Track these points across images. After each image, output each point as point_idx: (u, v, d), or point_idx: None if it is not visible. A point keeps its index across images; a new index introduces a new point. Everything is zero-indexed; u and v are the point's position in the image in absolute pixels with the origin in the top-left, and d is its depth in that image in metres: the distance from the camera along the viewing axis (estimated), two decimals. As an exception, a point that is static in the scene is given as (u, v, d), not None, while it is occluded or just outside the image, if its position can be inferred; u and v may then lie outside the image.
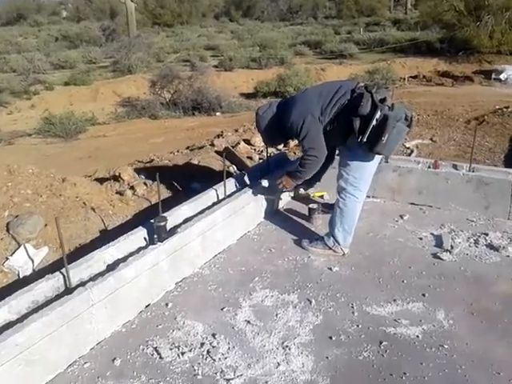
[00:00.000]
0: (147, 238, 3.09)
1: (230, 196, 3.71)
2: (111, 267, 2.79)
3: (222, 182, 3.78)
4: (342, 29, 32.77)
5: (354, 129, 3.01)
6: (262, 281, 3.11)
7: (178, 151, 6.99)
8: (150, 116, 14.48)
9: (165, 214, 3.33)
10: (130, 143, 10.47)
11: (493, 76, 16.62)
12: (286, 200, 4.29)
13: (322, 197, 4.41)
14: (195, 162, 5.68)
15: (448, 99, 12.01)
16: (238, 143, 6.42)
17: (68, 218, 3.77)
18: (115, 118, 14.97)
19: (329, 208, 3.99)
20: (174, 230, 3.15)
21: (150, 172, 5.33)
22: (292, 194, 4.36)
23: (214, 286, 3.05)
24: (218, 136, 7.38)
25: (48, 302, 2.39)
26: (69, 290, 2.49)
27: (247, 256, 3.43)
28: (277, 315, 2.76)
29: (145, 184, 4.96)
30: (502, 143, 6.63)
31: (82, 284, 2.55)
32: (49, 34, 35.41)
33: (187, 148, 7.48)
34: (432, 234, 3.69)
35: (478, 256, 3.35)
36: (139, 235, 3.06)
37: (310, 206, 3.92)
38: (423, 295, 2.92)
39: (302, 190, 4.51)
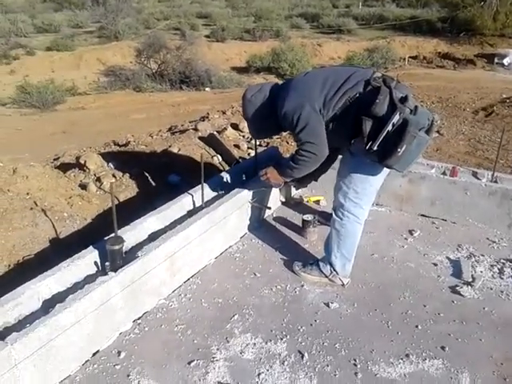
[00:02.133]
0: (98, 263, 2.45)
1: (208, 203, 3.06)
2: (48, 305, 2.16)
3: (199, 186, 3.12)
4: (340, 2, 31.55)
5: (363, 132, 2.33)
6: (242, 320, 2.49)
7: (158, 133, 6.27)
8: (134, 88, 13.62)
9: (126, 227, 2.69)
10: (109, 118, 9.69)
11: (495, 60, 15.91)
12: (275, 206, 3.65)
13: (318, 202, 3.78)
14: (175, 149, 4.98)
15: (451, 84, 11.35)
16: (225, 128, 5.72)
17: (11, 222, 3.10)
18: (97, 88, 14.11)
19: (327, 219, 3.36)
20: (134, 251, 2.51)
21: (121, 160, 4.65)
22: (283, 198, 3.72)
23: (181, 327, 2.43)
24: (203, 118, 6.66)
25: None
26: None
27: (226, 282, 2.80)
28: (259, 375, 2.15)
29: (113, 176, 4.28)
30: (515, 139, 6.02)
31: (3, 334, 1.92)
32: (36, -6, 33.69)
33: (169, 130, 6.76)
34: (448, 258, 3.08)
35: (504, 292, 2.77)
36: (87, 261, 2.41)
37: (305, 217, 3.28)
38: (442, 349, 2.33)
39: (294, 193, 3.90)
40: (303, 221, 3.27)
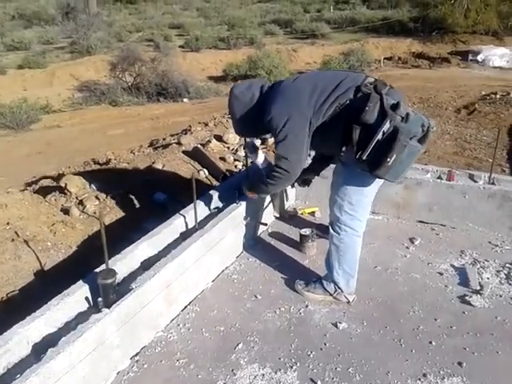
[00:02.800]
0: (90, 298, 2.27)
1: (201, 223, 2.91)
2: (39, 349, 1.98)
3: (191, 206, 2.97)
4: (311, 6, 31.71)
5: (353, 140, 2.23)
6: (247, 349, 2.34)
7: (139, 149, 6.08)
8: (110, 102, 13.33)
9: (117, 256, 2.51)
10: (86, 135, 9.44)
11: (470, 57, 16.12)
12: (269, 221, 3.51)
13: (313, 214, 3.65)
14: (159, 165, 4.81)
15: (429, 83, 11.42)
16: (209, 141, 5.55)
17: (-9, 257, 2.90)
18: (71, 104, 13.75)
19: (324, 232, 3.24)
20: (127, 283, 2.34)
21: (103, 180, 4.45)
22: (276, 213, 3.59)
23: (183, 361, 2.27)
24: (186, 131, 6.49)
25: None
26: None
27: (226, 307, 2.64)
28: (272, 410, 2.00)
29: (97, 198, 4.09)
30: (501, 136, 6.00)
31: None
32: (4, 12, 32.94)
33: (150, 145, 6.57)
34: (453, 266, 2.99)
35: (514, 297, 2.68)
36: (78, 297, 2.23)
37: (302, 231, 3.15)
38: (460, 365, 2.22)
39: (287, 205, 3.77)
40: (301, 235, 3.14)
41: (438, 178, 3.53)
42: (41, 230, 3.42)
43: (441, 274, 2.92)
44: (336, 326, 2.48)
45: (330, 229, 2.62)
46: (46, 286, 2.82)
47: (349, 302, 2.65)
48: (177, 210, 4.11)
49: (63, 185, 4.25)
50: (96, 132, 9.79)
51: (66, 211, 3.85)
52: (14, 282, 2.80)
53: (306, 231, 3.14)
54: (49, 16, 28.20)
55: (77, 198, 4.12)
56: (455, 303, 2.65)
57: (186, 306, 2.65)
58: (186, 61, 18.14)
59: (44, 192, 4.29)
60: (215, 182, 4.59)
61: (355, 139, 2.21)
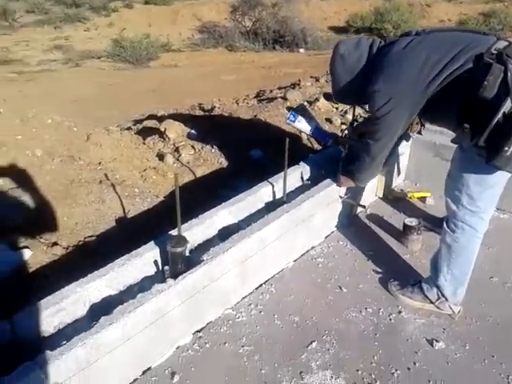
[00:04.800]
0: (159, 263, 2.10)
1: (290, 196, 2.59)
2: (95, 314, 1.85)
3: (281, 174, 2.66)
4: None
5: (469, 122, 1.81)
6: (322, 350, 2.03)
7: (244, 100, 5.84)
8: (226, 46, 13.21)
9: (194, 220, 2.30)
10: (199, 78, 9.42)
11: None
12: (370, 201, 3.09)
13: (423, 199, 3.15)
14: (261, 120, 4.52)
15: None
16: (317, 99, 5.12)
17: (76, 198, 2.85)
18: (190, 45, 13.88)
19: (435, 225, 2.77)
20: (200, 252, 2.13)
21: (203, 129, 4.30)
22: (380, 192, 3.15)
23: (248, 349, 2.03)
24: (294, 86, 6.09)
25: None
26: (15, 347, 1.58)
27: (305, 295, 2.34)
28: None
29: (192, 147, 3.94)
30: None
31: (37, 348, 1.64)
32: None
33: (256, 96, 6.30)
34: None
35: None
36: (145, 260, 2.06)
37: (407, 221, 2.69)
38: None
39: (394, 185, 3.30)
40: (405, 225, 2.69)
41: None
42: (131, 174, 3.35)
43: None
44: (431, 344, 2.07)
45: (444, 224, 2.16)
46: (125, 235, 2.73)
47: (453, 314, 2.21)
48: (272, 170, 3.86)
49: (163, 129, 4.17)
50: (209, 76, 9.74)
51: (161, 157, 3.76)
52: (94, 227, 2.75)
53: (412, 221, 2.68)
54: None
55: (174, 144, 4.02)
56: None
57: (261, 285, 2.40)
58: (309, 8, 17.30)
59: (145, 133, 4.25)
60: (316, 146, 4.21)
61: (471, 121, 1.81)
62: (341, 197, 2.72)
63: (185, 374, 1.91)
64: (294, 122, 2.70)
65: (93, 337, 1.63)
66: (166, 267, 1.97)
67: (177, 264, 1.98)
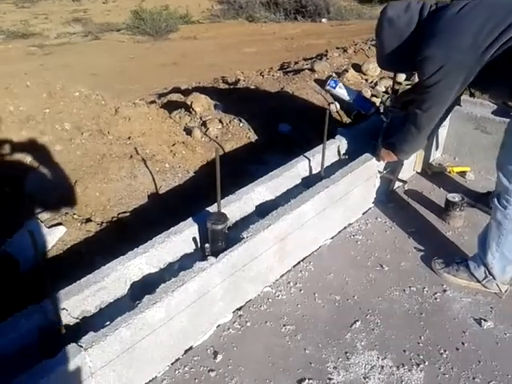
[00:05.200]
0: (197, 240, 2.05)
1: (327, 171, 2.51)
2: (136, 292, 1.83)
3: (317, 149, 2.57)
4: None
5: None
6: (366, 330, 1.98)
7: (269, 72, 5.68)
8: (246, 17, 12.90)
9: (231, 197, 2.24)
10: (220, 51, 9.25)
11: None
12: (408, 175, 2.98)
13: (463, 174, 3.03)
14: (288, 92, 4.39)
15: None
16: (346, 70, 4.94)
17: (108, 172, 2.81)
18: (209, 16, 13.60)
19: (476, 200, 2.67)
20: (239, 229, 2.07)
21: (229, 102, 4.20)
22: (418, 167, 3.04)
23: (290, 328, 1.99)
24: (321, 56, 5.89)
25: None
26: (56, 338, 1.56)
27: (345, 273, 2.28)
28: (387, 417, 1.66)
29: (220, 121, 3.85)
30: None
31: (80, 329, 1.62)
32: None
33: (280, 68, 6.13)
34: None
35: None
36: (184, 237, 2.01)
37: (450, 196, 2.59)
38: None
39: (432, 159, 3.18)
40: (448, 201, 2.58)
41: None
42: (161, 149, 3.29)
43: None
44: (479, 324, 2.00)
45: (495, 200, 2.06)
46: (158, 211, 2.69)
47: (500, 293, 2.13)
48: (301, 145, 3.76)
49: (189, 103, 4.07)
50: (230, 48, 9.55)
51: (188, 131, 3.68)
52: (126, 203, 2.70)
53: (455, 197, 2.57)
54: None
55: (201, 118, 3.93)
56: None
57: (298, 262, 2.34)
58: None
59: (171, 107, 4.16)
60: (346, 119, 4.09)
61: None
62: (379, 172, 2.62)
63: (227, 354, 1.88)
64: (334, 88, 2.59)
65: (137, 317, 1.59)
66: (207, 245, 1.92)
67: (217, 241, 1.93)
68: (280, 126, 3.87)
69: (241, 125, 3.83)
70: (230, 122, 3.85)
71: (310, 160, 2.55)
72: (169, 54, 9.60)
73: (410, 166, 2.96)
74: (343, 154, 2.78)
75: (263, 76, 5.38)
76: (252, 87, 4.81)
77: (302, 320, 2.03)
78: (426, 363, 1.83)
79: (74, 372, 1.46)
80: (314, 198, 2.23)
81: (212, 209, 2.11)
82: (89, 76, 7.80)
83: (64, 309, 1.65)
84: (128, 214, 2.62)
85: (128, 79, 7.85)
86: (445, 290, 2.17)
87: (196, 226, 2.04)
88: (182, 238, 2.00)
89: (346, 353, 1.87)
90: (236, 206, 2.20)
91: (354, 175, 2.44)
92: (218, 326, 2.00)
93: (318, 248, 2.43)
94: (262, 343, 1.92)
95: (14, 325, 1.58)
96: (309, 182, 2.45)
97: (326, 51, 5.89)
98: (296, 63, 6.20)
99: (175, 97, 4.92)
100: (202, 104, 4.08)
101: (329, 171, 2.49)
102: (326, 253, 2.41)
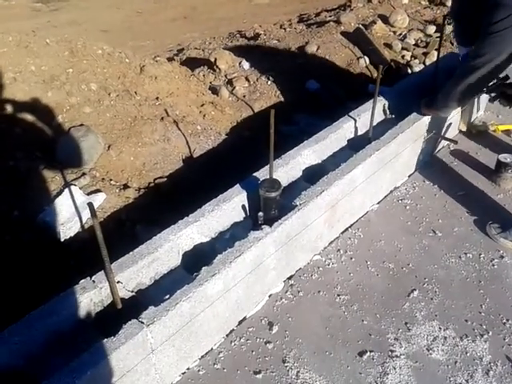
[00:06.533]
0: (247, 208, 1.96)
1: (374, 131, 2.37)
2: (189, 262, 1.75)
3: (364, 108, 2.43)
4: None
5: None
6: (424, 299, 1.91)
7: (290, 25, 5.42)
8: (256, -33, 12.28)
9: (277, 161, 2.12)
10: (230, 3, 8.82)
11: None
12: (451, 135, 2.84)
13: (508, 132, 2.89)
14: (313, 47, 4.19)
15: None
16: (374, 22, 4.70)
17: (141, 136, 2.68)
18: (217, -34, 12.94)
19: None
20: (288, 195, 1.97)
21: (252, 59, 4.01)
22: (463, 126, 2.89)
23: (344, 298, 1.92)
24: (344, 7, 5.59)
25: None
26: (117, 316, 1.50)
27: (396, 240, 2.19)
28: (456, 389, 1.61)
29: (246, 79, 3.69)
30: None
31: (137, 304, 1.55)
32: None
33: (300, 20, 5.85)
34: None
35: None
36: (234, 204, 1.91)
37: (501, 157, 2.46)
38: None
39: (475, 117, 3.03)
40: (499, 162, 2.46)
41: None
42: (190, 110, 3.14)
43: None
44: (541, 292, 1.93)
45: None
46: (195, 176, 2.58)
47: (560, 261, 2.05)
48: (331, 102, 3.60)
49: (212, 60, 3.88)
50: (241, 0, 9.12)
51: (214, 90, 3.53)
52: (162, 167, 2.60)
53: (507, 158, 2.44)
54: None
55: (226, 76, 3.76)
56: None
57: (346, 229, 2.25)
58: None
59: (191, 64, 3.98)
60: (375, 74, 3.91)
61: None
62: (427, 132, 2.48)
63: (283, 324, 1.82)
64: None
65: (196, 290, 1.52)
66: (260, 213, 1.83)
67: (270, 209, 1.83)
68: (308, 83, 3.70)
69: (269, 83, 3.66)
70: (257, 79, 3.68)
71: (355, 120, 2.41)
72: (178, 7, 9.18)
73: (455, 126, 2.81)
74: (389, 114, 2.63)
75: (285, 29, 5.13)
76: (275, 41, 4.59)
77: (357, 289, 1.96)
78: (490, 333, 1.77)
79: (135, 350, 1.40)
80: (365, 161, 2.11)
81: (260, 174, 2.00)
82: (100, 33, 7.50)
83: (119, 282, 1.57)
84: (165, 179, 2.52)
85: (139, 35, 7.54)
86: (502, 256, 2.08)
87: (245, 193, 1.94)
88: (232, 205, 1.90)
89: (405, 323, 1.81)
90: (283, 170, 2.09)
91: (405, 135, 2.31)
92: (270, 295, 1.93)
93: (365, 214, 2.33)
94: (318, 314, 1.86)
95: (67, 301, 1.51)
96: (356, 143, 2.32)
97: (350, 1, 5.58)
98: (317, 15, 5.91)
99: (194, 53, 4.71)
100: (226, 61, 3.89)
101: (375, 132, 2.35)
102: (375, 219, 2.32)
